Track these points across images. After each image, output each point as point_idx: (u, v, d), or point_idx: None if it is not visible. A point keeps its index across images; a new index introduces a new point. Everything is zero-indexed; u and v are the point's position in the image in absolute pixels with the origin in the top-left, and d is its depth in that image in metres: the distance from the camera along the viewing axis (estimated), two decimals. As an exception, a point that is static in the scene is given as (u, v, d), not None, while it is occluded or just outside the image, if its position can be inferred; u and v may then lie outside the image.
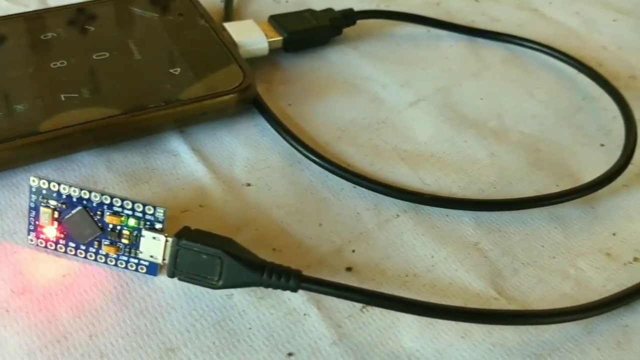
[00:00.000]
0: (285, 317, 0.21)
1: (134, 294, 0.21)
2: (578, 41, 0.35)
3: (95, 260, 0.21)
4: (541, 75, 0.32)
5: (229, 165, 0.26)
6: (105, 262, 0.21)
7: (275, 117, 0.27)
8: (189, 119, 0.26)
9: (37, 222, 0.21)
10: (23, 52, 0.28)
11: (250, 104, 0.28)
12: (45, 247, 0.22)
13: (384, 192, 0.25)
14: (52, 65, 0.27)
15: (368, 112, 0.29)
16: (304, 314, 0.21)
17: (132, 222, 0.21)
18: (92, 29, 0.29)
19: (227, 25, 0.31)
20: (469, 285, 0.22)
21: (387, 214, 0.25)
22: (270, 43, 0.31)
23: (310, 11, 0.33)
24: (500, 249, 0.24)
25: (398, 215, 0.25)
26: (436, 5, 0.37)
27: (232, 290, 0.21)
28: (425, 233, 0.24)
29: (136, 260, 0.21)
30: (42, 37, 0.29)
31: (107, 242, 0.21)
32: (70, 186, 0.21)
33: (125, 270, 0.21)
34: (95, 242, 0.21)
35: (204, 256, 0.20)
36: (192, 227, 0.21)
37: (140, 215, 0.21)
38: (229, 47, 0.29)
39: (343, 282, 0.21)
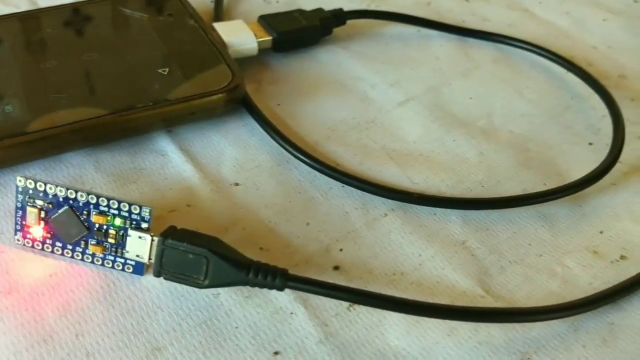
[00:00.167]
0: (272, 316, 0.21)
1: (120, 293, 0.21)
2: (568, 41, 0.35)
3: (82, 259, 0.21)
4: (531, 75, 0.32)
5: (217, 165, 0.26)
6: (92, 262, 0.21)
7: (263, 117, 0.27)
8: (177, 118, 0.26)
9: (23, 222, 0.21)
10: (12, 52, 0.28)
11: (239, 103, 0.28)
12: (32, 246, 0.22)
13: (372, 192, 0.25)
14: (41, 66, 0.27)
15: (357, 112, 0.29)
16: (291, 313, 0.21)
17: (118, 221, 0.21)
18: (82, 29, 0.29)
19: (216, 25, 0.31)
20: (456, 283, 0.23)
21: (375, 213, 0.25)
22: (259, 43, 0.31)
23: (300, 11, 0.33)
24: (487, 248, 0.24)
25: (386, 214, 0.25)
26: (426, 5, 0.37)
27: (219, 290, 0.21)
28: (413, 232, 0.24)
29: (122, 260, 0.21)
30: (31, 37, 0.29)
31: (93, 242, 0.21)
32: (57, 186, 0.21)
33: (112, 269, 0.21)
34: (82, 242, 0.21)
35: (190, 255, 0.20)
36: (179, 227, 0.21)
37: (126, 214, 0.21)
38: (218, 47, 0.29)
39: (330, 281, 0.21)
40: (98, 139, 0.25)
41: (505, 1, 0.38)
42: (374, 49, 0.33)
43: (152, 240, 0.20)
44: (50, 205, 0.21)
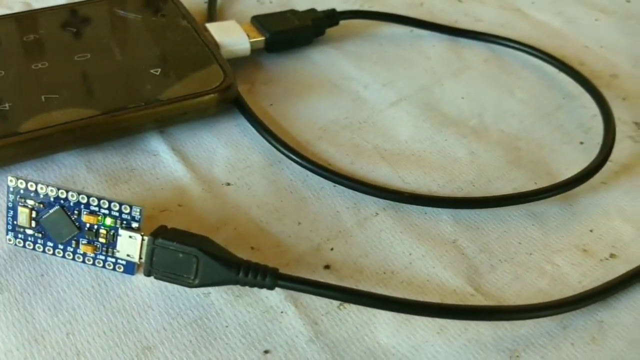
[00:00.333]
0: (262, 315, 0.21)
1: (111, 292, 0.21)
2: (560, 40, 0.35)
3: (74, 259, 0.22)
4: (522, 75, 0.33)
5: (209, 164, 0.26)
6: (83, 261, 0.22)
7: (255, 117, 0.27)
8: (169, 119, 0.26)
9: (15, 222, 0.21)
10: (4, 53, 0.28)
11: (231, 104, 0.28)
12: (24, 246, 0.22)
13: (363, 191, 0.25)
14: (33, 67, 0.27)
15: (349, 112, 0.29)
16: (281, 312, 0.21)
17: (108, 221, 0.21)
18: (75, 30, 0.30)
19: (209, 25, 0.31)
20: (446, 282, 0.23)
21: (367, 212, 0.25)
22: (252, 43, 0.31)
23: (293, 11, 0.33)
24: (477, 246, 0.24)
25: (377, 214, 0.25)
26: (419, 5, 0.37)
27: (210, 289, 0.21)
28: (404, 231, 0.24)
29: (113, 259, 0.21)
30: (24, 38, 0.29)
31: (84, 241, 0.21)
32: (48, 186, 0.21)
33: (103, 269, 0.22)
34: (73, 242, 0.21)
35: (180, 255, 0.20)
36: (170, 226, 0.21)
37: (116, 214, 0.21)
38: (211, 47, 0.29)
39: (321, 280, 0.21)
40: (90, 140, 0.26)
41: (497, 1, 0.38)
42: (367, 49, 0.33)
43: (143, 239, 0.20)
44: (42, 205, 0.21)
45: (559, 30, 0.36)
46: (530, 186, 0.26)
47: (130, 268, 0.21)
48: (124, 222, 0.21)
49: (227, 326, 0.21)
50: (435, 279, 0.23)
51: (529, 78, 0.32)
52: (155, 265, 0.20)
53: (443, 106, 0.30)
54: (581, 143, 0.29)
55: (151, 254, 0.20)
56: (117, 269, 0.21)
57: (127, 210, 0.21)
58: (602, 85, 0.31)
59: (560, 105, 0.31)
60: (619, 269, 0.23)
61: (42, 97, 0.26)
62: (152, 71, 0.27)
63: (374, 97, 0.30)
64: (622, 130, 0.30)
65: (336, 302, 0.22)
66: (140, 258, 0.21)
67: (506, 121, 0.30)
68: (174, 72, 0.27)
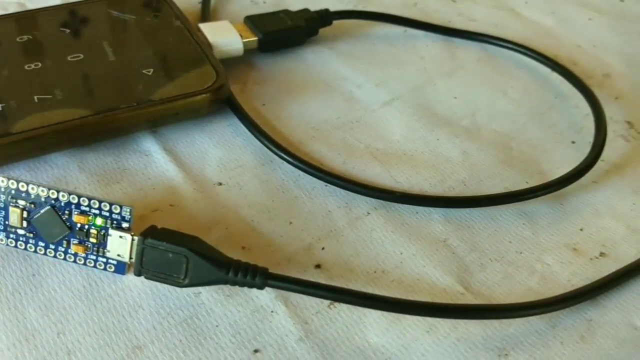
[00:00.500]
0: (253, 315, 0.21)
1: (102, 292, 0.21)
2: (553, 40, 0.35)
3: (65, 259, 0.22)
4: (515, 74, 0.33)
5: (201, 164, 0.26)
6: (75, 261, 0.22)
7: (248, 117, 0.27)
8: (160, 119, 0.26)
9: (6, 222, 0.21)
10: (-2, 54, 0.28)
11: (223, 104, 0.28)
12: (15, 246, 0.22)
13: (355, 190, 0.25)
14: (26, 67, 0.27)
15: (342, 112, 0.30)
16: (272, 311, 0.21)
17: (99, 221, 0.21)
18: (68, 31, 0.30)
19: (202, 26, 0.31)
20: (437, 281, 0.23)
21: (358, 212, 0.25)
22: (245, 43, 0.31)
23: (286, 12, 0.33)
24: (468, 245, 0.24)
25: (369, 213, 0.25)
26: (413, 5, 0.37)
27: (200, 289, 0.21)
28: (395, 230, 0.24)
29: (104, 259, 0.21)
30: (18, 39, 0.29)
31: (75, 241, 0.21)
32: (39, 186, 0.21)
33: (94, 269, 0.22)
34: (64, 241, 0.21)
35: (170, 255, 0.20)
36: (161, 226, 0.21)
37: (107, 214, 0.21)
38: (203, 47, 0.29)
39: (311, 279, 0.21)
40: (82, 140, 0.26)
41: (491, 1, 0.38)
42: (360, 49, 0.34)
43: (133, 239, 0.21)
44: (33, 205, 0.21)
45: (552, 29, 0.36)
46: (522, 185, 0.26)
47: (121, 268, 0.21)
48: (114, 222, 0.21)
49: (217, 325, 0.21)
50: (426, 278, 0.23)
51: (521, 78, 0.33)
52: (146, 265, 0.20)
53: (436, 106, 0.30)
54: (573, 142, 0.29)
55: (141, 253, 0.20)
56: (108, 269, 0.22)
57: (117, 211, 0.21)
58: (594, 85, 0.32)
59: (552, 105, 0.31)
60: (609, 267, 0.23)
61: (35, 98, 0.26)
62: (144, 71, 0.27)
63: (366, 97, 0.30)
64: (614, 129, 0.30)
65: (326, 302, 0.22)
66: (130, 258, 0.21)
67: (498, 121, 0.30)
68: (167, 72, 0.27)
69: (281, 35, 0.32)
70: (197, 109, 0.27)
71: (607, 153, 0.28)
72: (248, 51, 0.31)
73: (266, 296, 0.22)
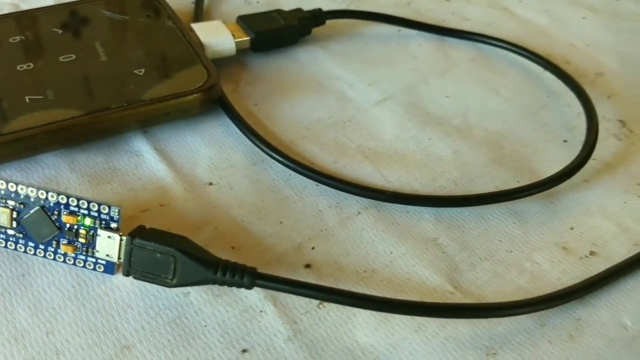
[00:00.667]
0: (241, 315, 0.21)
1: (91, 292, 0.21)
2: (547, 39, 0.35)
3: (54, 259, 0.22)
4: (508, 73, 0.33)
5: (192, 164, 0.26)
6: (64, 261, 0.22)
7: (239, 117, 0.27)
8: (151, 119, 0.26)
9: (-4, 223, 0.22)
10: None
11: (215, 103, 0.28)
12: (5, 246, 0.22)
13: (346, 190, 0.25)
14: (18, 68, 0.27)
15: (334, 111, 0.30)
16: (261, 311, 0.21)
17: (88, 221, 0.21)
18: (61, 31, 0.30)
19: (194, 26, 0.31)
20: (426, 280, 0.23)
21: (349, 211, 0.25)
22: (237, 43, 0.31)
23: (279, 11, 0.33)
24: (458, 244, 0.24)
25: (359, 213, 0.25)
26: (407, 5, 0.37)
27: (189, 289, 0.21)
28: (386, 229, 0.24)
29: (94, 259, 0.21)
30: (10, 40, 0.29)
31: (65, 242, 0.21)
32: (28, 186, 0.21)
33: (84, 269, 0.22)
34: (54, 242, 0.21)
35: (158, 255, 0.20)
36: (151, 227, 0.21)
37: (95, 214, 0.21)
38: (195, 47, 0.29)
39: (301, 279, 0.21)
40: (73, 140, 0.26)
41: (485, 0, 0.38)
42: (353, 49, 0.34)
43: (121, 239, 0.21)
44: (22, 206, 0.21)
45: (545, 28, 0.36)
46: (513, 184, 0.26)
47: (110, 268, 0.21)
48: (103, 222, 0.21)
49: (205, 325, 0.21)
50: (416, 277, 0.23)
51: (514, 77, 0.33)
52: (134, 265, 0.20)
53: (428, 105, 0.30)
54: (565, 141, 0.29)
55: (129, 254, 0.20)
56: (98, 269, 0.22)
57: (106, 211, 0.21)
58: (587, 84, 0.32)
59: (544, 104, 0.31)
60: (599, 266, 0.23)
61: (27, 98, 0.26)
62: (136, 71, 0.27)
63: (359, 97, 0.30)
64: (606, 128, 0.30)
65: (316, 301, 0.22)
66: (119, 258, 0.21)
67: (490, 120, 0.30)
68: (158, 72, 0.28)
69: (274, 35, 0.32)
70: (188, 108, 0.27)
71: (599, 152, 0.28)
72: (241, 51, 0.31)
73: (255, 296, 0.22)
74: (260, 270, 0.21)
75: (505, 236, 0.24)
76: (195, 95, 0.27)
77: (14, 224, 0.21)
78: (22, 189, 0.21)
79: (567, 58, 0.34)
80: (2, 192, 0.21)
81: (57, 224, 0.21)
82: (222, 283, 0.20)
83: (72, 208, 0.21)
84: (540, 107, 0.31)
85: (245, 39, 0.31)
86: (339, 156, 0.27)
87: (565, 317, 0.22)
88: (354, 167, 0.27)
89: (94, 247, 0.21)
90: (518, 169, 0.27)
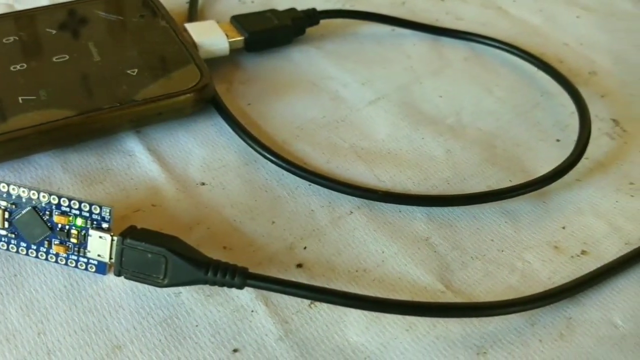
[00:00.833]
0: (233, 314, 0.21)
1: (83, 292, 0.21)
2: (541, 38, 0.35)
3: (47, 259, 0.22)
4: (501, 73, 0.33)
5: (184, 164, 0.26)
6: (56, 262, 0.22)
7: (232, 116, 0.27)
8: (144, 119, 0.26)
9: (-12, 223, 0.22)
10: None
11: (208, 103, 0.28)
12: (-3, 247, 0.22)
13: (338, 190, 0.25)
14: (11, 69, 0.27)
15: (328, 111, 0.30)
16: (252, 311, 0.21)
17: (79, 221, 0.21)
18: (54, 31, 0.30)
19: (188, 26, 0.31)
20: (417, 279, 0.23)
21: (341, 211, 0.25)
22: (231, 43, 0.31)
23: (273, 11, 0.33)
24: (450, 244, 0.24)
25: (352, 212, 0.25)
26: (401, 4, 0.37)
27: (180, 289, 0.22)
28: (378, 229, 0.24)
29: (85, 259, 0.21)
30: (4, 40, 0.29)
31: (56, 242, 0.21)
32: (20, 187, 0.21)
33: (76, 269, 0.22)
34: (46, 242, 0.22)
35: (149, 255, 0.20)
36: (143, 227, 0.22)
37: (87, 214, 0.21)
38: (188, 47, 0.29)
39: (293, 278, 0.21)
40: (66, 140, 0.26)
41: (479, 0, 0.38)
42: (347, 49, 0.34)
43: (112, 239, 0.21)
44: (14, 206, 0.21)
45: (539, 28, 0.36)
46: (505, 184, 0.26)
47: (101, 268, 0.22)
48: (94, 222, 0.21)
49: (196, 325, 0.21)
50: (407, 276, 0.23)
51: (508, 76, 0.33)
52: (125, 265, 0.21)
53: (421, 105, 0.30)
54: (557, 140, 0.29)
55: (120, 254, 0.20)
56: (89, 269, 0.22)
57: (97, 211, 0.21)
58: (580, 83, 0.32)
59: (537, 103, 0.31)
60: (590, 265, 0.23)
61: (20, 99, 0.26)
62: (129, 72, 0.27)
63: (352, 96, 0.31)
64: (599, 127, 0.30)
65: (307, 301, 0.22)
66: (110, 258, 0.21)
67: (483, 119, 0.30)
68: (151, 72, 0.28)
69: (267, 34, 0.32)
70: (181, 108, 0.27)
71: (592, 151, 0.28)
72: (234, 51, 0.31)
73: (247, 296, 0.22)
74: (252, 270, 0.21)
75: (496, 235, 0.24)
76: (188, 95, 0.27)
77: (6, 225, 0.21)
78: (13, 189, 0.21)
79: (561, 57, 0.34)
80: (-6, 192, 0.21)
81: (48, 224, 0.21)
82: (213, 283, 0.20)
83: (63, 208, 0.21)
84: (533, 107, 0.31)
85: (239, 38, 0.31)
86: (332, 156, 0.27)
87: (556, 316, 0.22)
88: (346, 167, 0.27)
89: (85, 248, 0.21)
90: (510, 169, 0.27)
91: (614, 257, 0.24)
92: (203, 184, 0.25)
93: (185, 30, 0.31)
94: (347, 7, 0.36)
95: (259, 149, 0.26)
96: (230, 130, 0.27)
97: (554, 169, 0.26)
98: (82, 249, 0.21)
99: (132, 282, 0.21)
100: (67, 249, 0.21)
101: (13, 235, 0.22)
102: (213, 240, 0.23)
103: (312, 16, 0.33)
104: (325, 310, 0.22)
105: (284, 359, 0.20)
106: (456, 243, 0.24)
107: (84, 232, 0.21)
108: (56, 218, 0.21)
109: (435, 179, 0.27)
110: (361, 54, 0.33)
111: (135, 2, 0.32)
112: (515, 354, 0.21)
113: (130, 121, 0.26)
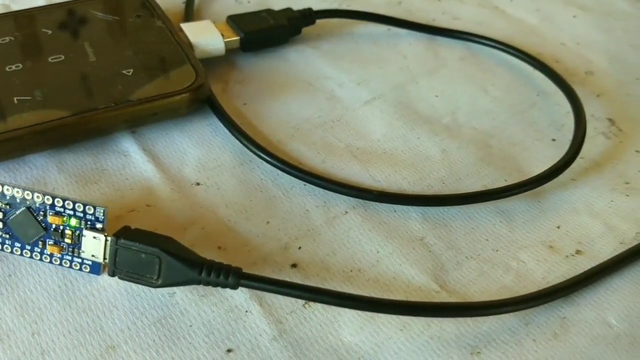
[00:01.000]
0: (227, 314, 0.21)
1: (77, 292, 0.21)
2: (537, 38, 0.35)
3: (41, 259, 0.22)
4: (497, 72, 0.33)
5: (179, 164, 0.26)
6: (51, 262, 0.22)
7: (227, 116, 0.27)
8: (139, 119, 0.26)
9: (-18, 223, 0.22)
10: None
11: (203, 103, 0.28)
12: (-8, 248, 0.22)
13: (333, 190, 0.25)
14: (7, 69, 0.27)
15: (323, 111, 0.30)
16: (246, 311, 0.21)
17: (73, 221, 0.21)
18: (50, 32, 0.30)
19: (184, 26, 0.31)
20: (412, 279, 0.23)
21: (336, 211, 0.25)
22: (226, 43, 0.31)
23: (269, 11, 0.33)
24: (444, 243, 0.24)
25: (347, 212, 0.25)
26: (398, 4, 0.37)
27: (175, 289, 0.22)
28: (372, 229, 0.24)
29: (80, 260, 0.21)
30: (0, 41, 0.29)
31: (51, 242, 0.21)
32: (14, 187, 0.21)
33: (70, 269, 0.22)
34: (40, 242, 0.22)
35: (143, 255, 0.20)
36: (137, 227, 0.22)
37: (81, 215, 0.21)
38: (184, 47, 0.29)
39: (287, 278, 0.21)
40: (61, 141, 0.26)
41: (476, -1, 0.38)
42: (343, 48, 0.34)
43: (106, 240, 0.21)
44: (8, 207, 0.21)
45: (536, 27, 0.36)
46: (500, 183, 0.26)
47: (96, 268, 0.22)
48: (89, 222, 0.21)
49: (190, 325, 0.21)
50: (402, 276, 0.23)
51: (503, 76, 0.33)
52: (119, 265, 0.21)
53: (417, 104, 0.30)
54: (553, 140, 0.29)
55: (114, 254, 0.20)
56: (84, 269, 0.22)
57: (91, 211, 0.21)
58: (576, 82, 0.32)
59: (533, 103, 0.31)
60: (584, 265, 0.23)
61: (15, 99, 0.26)
62: (124, 72, 0.27)
63: (348, 96, 0.31)
64: (595, 126, 0.30)
65: (301, 301, 0.22)
66: (104, 258, 0.21)
67: (479, 119, 0.30)
68: (146, 72, 0.28)
69: (263, 34, 0.32)
70: (176, 108, 0.27)
71: (588, 150, 0.28)
72: (230, 51, 0.31)
73: (241, 296, 0.22)
74: (246, 270, 0.21)
75: (491, 235, 0.24)
76: (183, 95, 0.27)
77: (0, 225, 0.21)
78: (7, 189, 0.21)
79: (557, 57, 0.34)
80: (-12, 193, 0.21)
81: (43, 224, 0.21)
82: (207, 283, 0.20)
83: (57, 209, 0.21)
84: (529, 106, 0.31)
85: (235, 38, 0.31)
86: (327, 156, 0.27)
87: (550, 316, 0.22)
88: (341, 167, 0.27)
89: (79, 248, 0.21)
90: (506, 168, 0.27)
91: (609, 257, 0.24)
92: (198, 184, 0.25)
93: (181, 30, 0.31)
94: (344, 6, 0.36)
95: (254, 149, 0.26)
96: (226, 130, 0.27)
97: (549, 169, 0.26)
98: (76, 249, 0.21)
99: (126, 282, 0.21)
100: (62, 249, 0.21)
101: (7, 236, 0.22)
102: (208, 240, 0.23)
103: (308, 16, 0.33)
104: (319, 311, 0.22)
105: (278, 359, 0.20)
106: (451, 243, 0.24)
107: (78, 232, 0.21)
108: (50, 218, 0.21)
109: (431, 179, 0.27)
110: (357, 53, 0.33)
111: (131, 2, 0.32)
112: (509, 354, 0.21)
113: (125, 121, 0.26)
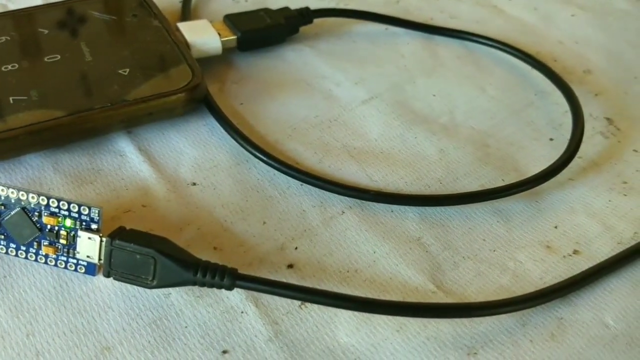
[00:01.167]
0: (222, 315, 0.21)
1: (72, 293, 0.21)
2: (535, 37, 0.35)
3: (36, 260, 0.22)
4: (495, 71, 0.33)
5: (176, 164, 0.26)
6: (46, 263, 0.22)
7: (223, 116, 0.27)
8: (135, 119, 0.26)
9: (-23, 224, 0.22)
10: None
11: (200, 103, 0.28)
12: (-13, 248, 0.22)
13: (330, 189, 0.25)
14: (3, 69, 0.27)
15: (321, 110, 0.29)
16: (242, 312, 0.21)
17: (68, 222, 0.21)
18: (46, 31, 0.30)
19: (180, 25, 0.31)
20: (409, 279, 0.23)
21: (333, 211, 0.25)
22: (223, 42, 0.31)
23: (266, 10, 0.33)
24: (442, 243, 0.24)
25: (343, 212, 0.25)
26: (395, 3, 0.37)
27: (170, 290, 0.21)
28: (369, 229, 0.24)
29: (75, 260, 0.21)
30: (-6, 40, 0.29)
31: (46, 243, 0.21)
32: (9, 188, 0.21)
33: (65, 270, 0.22)
34: (35, 243, 0.21)
35: (138, 256, 0.20)
36: (133, 228, 0.21)
37: (76, 215, 0.21)
38: (180, 47, 0.29)
39: (283, 279, 0.21)
40: (57, 141, 0.26)
41: (474, -2, 0.38)
42: (341, 48, 0.33)
43: (101, 240, 0.21)
44: (3, 207, 0.21)
45: (534, 26, 0.36)
46: (498, 183, 0.26)
47: (91, 269, 0.21)
48: (84, 223, 0.21)
49: (186, 327, 0.21)
50: (398, 276, 0.23)
51: (501, 75, 0.32)
52: (114, 266, 0.20)
53: (414, 104, 0.30)
54: (551, 139, 0.29)
55: (109, 255, 0.20)
56: (79, 270, 0.22)
57: (86, 212, 0.21)
58: (574, 81, 0.32)
59: (531, 102, 0.31)
60: (582, 265, 0.23)
61: (11, 99, 0.26)
62: (120, 71, 0.27)
63: (345, 96, 0.30)
64: (593, 126, 0.30)
65: (297, 302, 0.22)
66: (100, 259, 0.21)
67: (476, 118, 0.30)
68: (142, 72, 0.27)
69: (260, 33, 0.32)
70: (172, 108, 0.27)
71: (585, 149, 0.28)
72: (227, 50, 0.31)
73: (237, 297, 0.22)
74: (243, 270, 0.21)
75: (488, 235, 0.24)
76: (179, 95, 0.27)
77: (-4, 226, 0.21)
78: (2, 190, 0.21)
79: (555, 56, 0.34)
80: (-17, 193, 0.21)
81: (38, 225, 0.21)
82: (202, 284, 0.20)
83: (52, 209, 0.21)
84: (526, 105, 0.31)
85: (232, 38, 0.31)
86: (324, 155, 0.27)
87: (547, 317, 0.22)
88: (338, 167, 0.27)
89: (74, 248, 0.21)
90: (503, 168, 0.27)
91: (606, 257, 0.24)
92: (194, 184, 0.25)
93: (178, 29, 0.31)
94: (341, 6, 0.36)
95: (250, 148, 0.26)
96: (222, 130, 0.27)
97: (546, 168, 0.26)
98: (71, 250, 0.21)
99: (121, 283, 0.21)
100: (57, 250, 0.21)
101: (2, 236, 0.22)
102: (203, 241, 0.23)
103: (306, 15, 0.33)
104: (315, 311, 0.22)
105: (273, 360, 0.20)
106: (448, 243, 0.24)
107: (73, 233, 0.21)
108: (45, 219, 0.21)
109: (428, 179, 0.27)
110: (354, 53, 0.33)
111: (128, 2, 0.32)
112: (506, 355, 0.21)
113: (121, 121, 0.26)
